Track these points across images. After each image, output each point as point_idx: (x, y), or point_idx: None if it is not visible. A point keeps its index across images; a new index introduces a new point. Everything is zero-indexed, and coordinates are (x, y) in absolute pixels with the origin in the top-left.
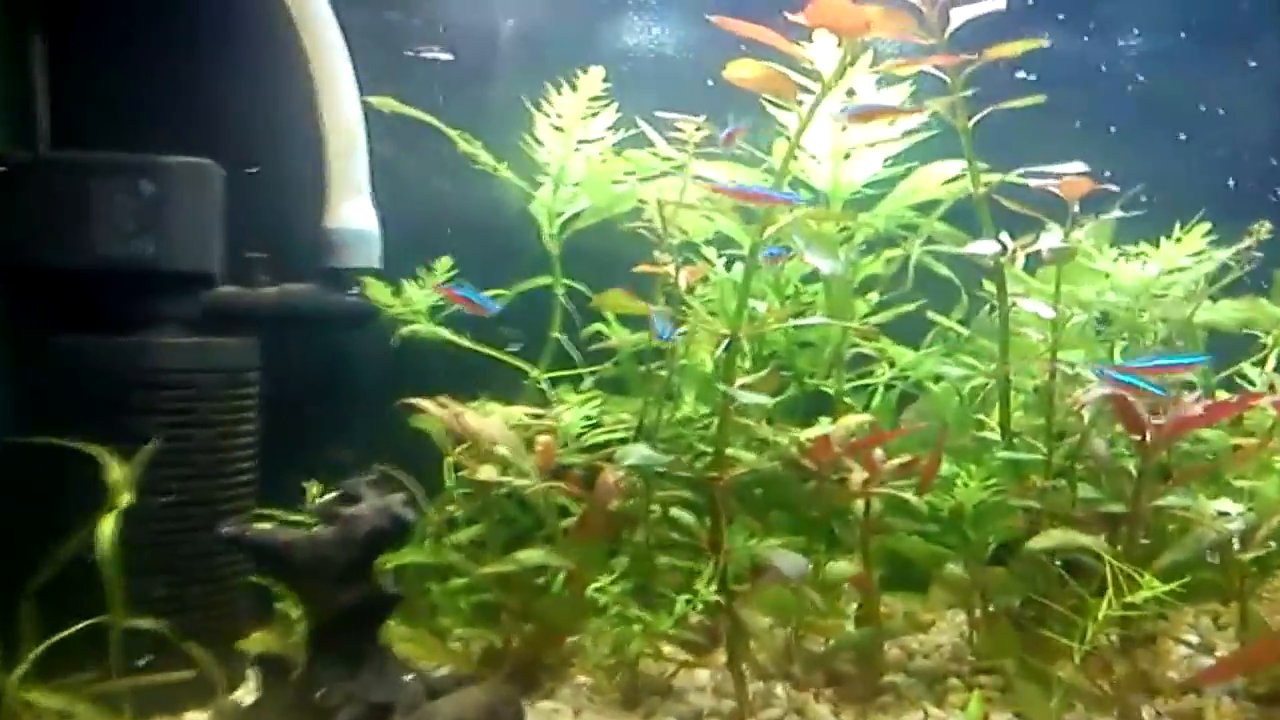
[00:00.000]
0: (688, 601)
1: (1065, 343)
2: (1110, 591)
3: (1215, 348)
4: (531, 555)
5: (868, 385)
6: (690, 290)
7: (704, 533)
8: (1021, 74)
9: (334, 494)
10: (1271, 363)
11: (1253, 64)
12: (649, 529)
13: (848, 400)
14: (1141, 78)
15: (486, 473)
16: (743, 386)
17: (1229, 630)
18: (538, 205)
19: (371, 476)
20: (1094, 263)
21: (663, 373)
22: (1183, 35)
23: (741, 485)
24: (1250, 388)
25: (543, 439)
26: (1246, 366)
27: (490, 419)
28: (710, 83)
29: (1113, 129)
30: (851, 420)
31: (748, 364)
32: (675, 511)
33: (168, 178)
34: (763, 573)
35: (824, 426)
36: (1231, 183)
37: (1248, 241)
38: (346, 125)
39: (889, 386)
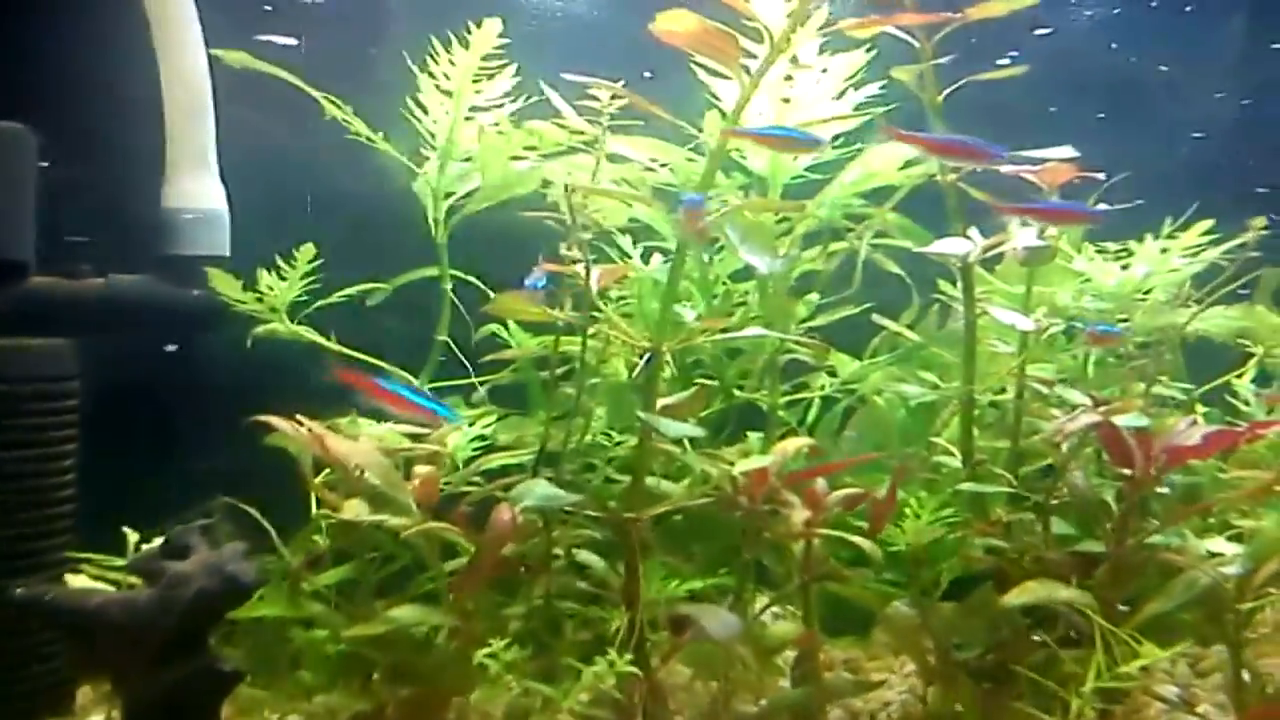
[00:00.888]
0: (597, 673)
1: (1034, 355)
2: (1099, 657)
3: (1192, 360)
4: (405, 613)
5: (805, 398)
6: (604, 292)
7: (617, 581)
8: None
9: (158, 544)
10: (1247, 378)
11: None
12: (550, 578)
13: (783, 414)
14: (1140, 59)
15: (353, 509)
16: (665, 409)
17: (1211, 677)
18: (422, 184)
19: (205, 520)
20: (1070, 262)
21: (570, 388)
22: (1187, 9)
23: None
24: (1243, 408)
25: (422, 469)
26: (1238, 383)
27: (359, 441)
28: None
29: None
30: (790, 445)
31: (668, 373)
32: (583, 555)
33: None
34: (685, 628)
35: (756, 453)
36: (1222, 174)
37: (1243, 238)
38: (190, 87)
39: (830, 399)
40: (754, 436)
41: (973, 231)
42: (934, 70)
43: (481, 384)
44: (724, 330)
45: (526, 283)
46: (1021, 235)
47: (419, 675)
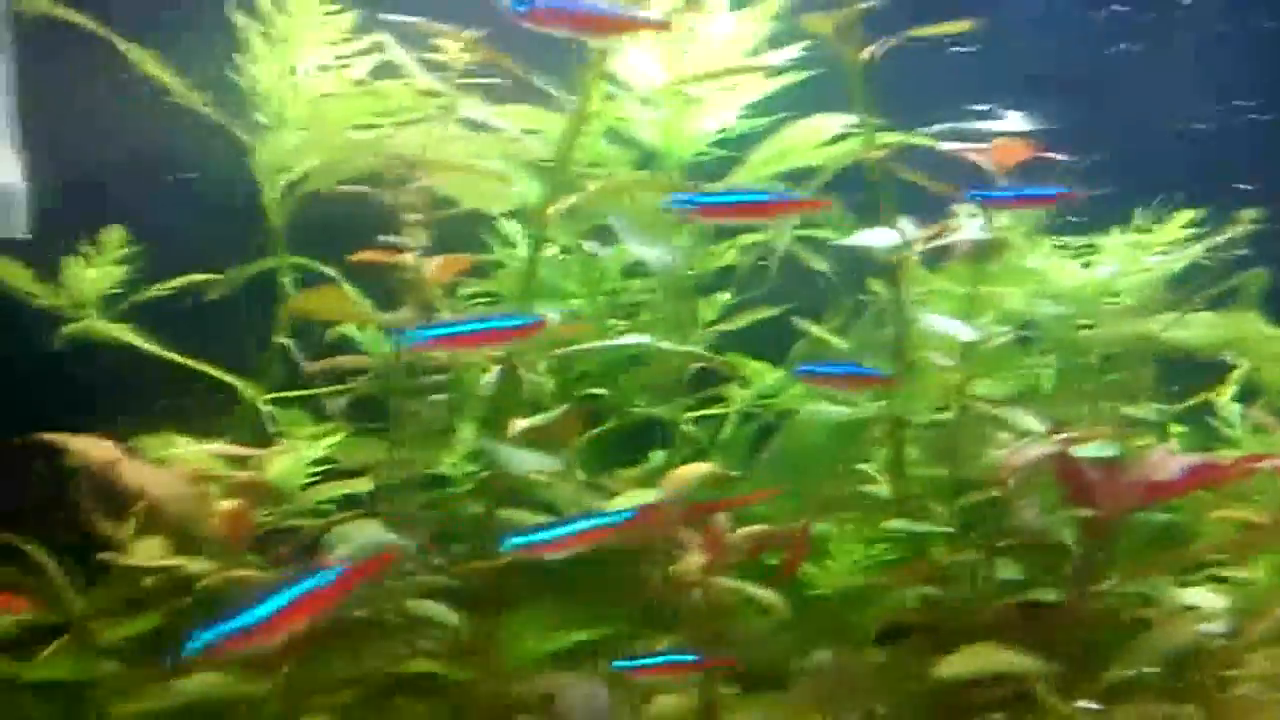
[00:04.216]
0: None
1: (981, 368)
2: None
3: (1170, 373)
4: (199, 683)
5: (716, 414)
6: (451, 290)
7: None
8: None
9: None
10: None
11: None
12: (383, 639)
13: (688, 431)
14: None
15: (145, 552)
16: (526, 432)
17: None
18: (259, 158)
19: None
20: (1024, 260)
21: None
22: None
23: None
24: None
25: (224, 504)
26: (1222, 402)
27: (161, 469)
28: None
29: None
30: (689, 473)
31: (551, 385)
32: (426, 608)
33: None
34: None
35: (655, 479)
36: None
37: (1230, 233)
38: None
39: (745, 415)
40: (658, 456)
41: (904, 222)
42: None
43: (337, 394)
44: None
45: None
46: (966, 226)
47: None
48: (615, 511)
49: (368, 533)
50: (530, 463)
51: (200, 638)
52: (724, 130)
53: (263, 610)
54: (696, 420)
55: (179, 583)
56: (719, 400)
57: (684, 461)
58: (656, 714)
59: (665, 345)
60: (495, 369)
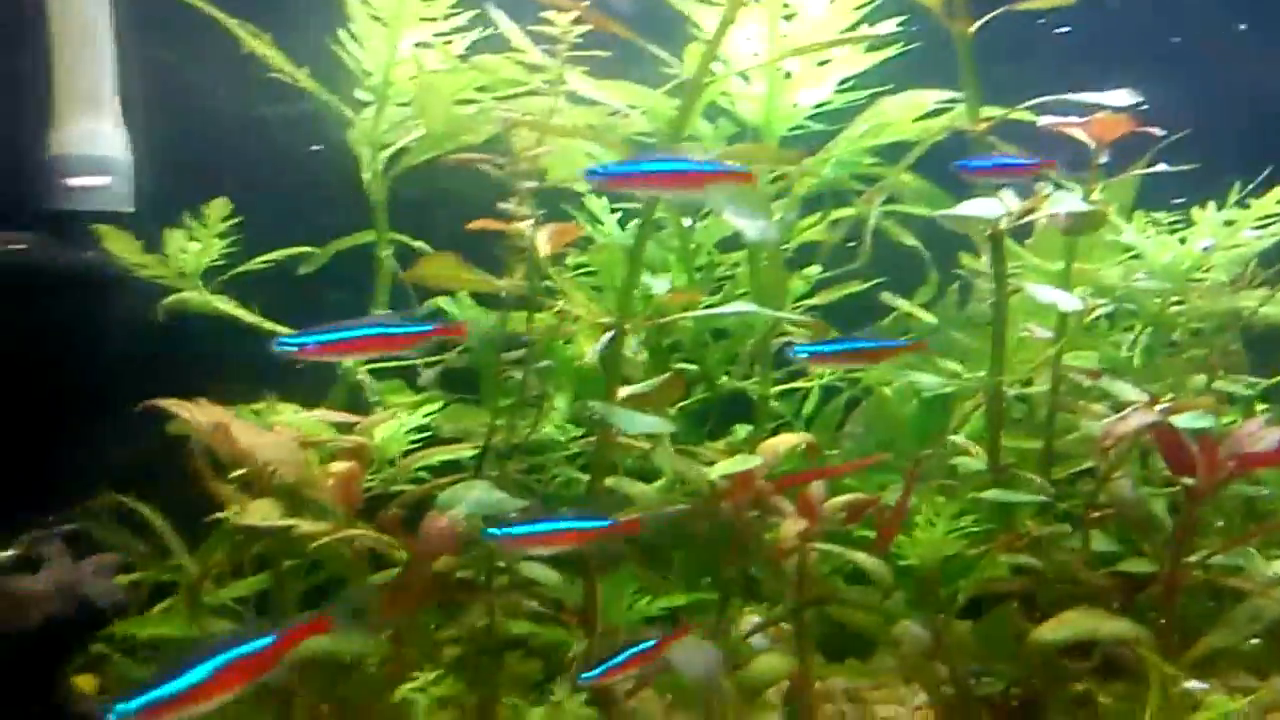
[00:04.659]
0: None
1: (1072, 341)
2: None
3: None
4: (317, 641)
5: (802, 387)
6: (559, 258)
7: (575, 597)
8: None
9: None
10: None
11: None
12: (492, 597)
13: (776, 405)
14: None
15: (260, 513)
16: (629, 399)
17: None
18: (358, 132)
19: (69, 526)
20: (1119, 234)
21: (518, 373)
22: None
23: None
24: None
25: (337, 466)
26: None
27: (270, 433)
28: None
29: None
30: (782, 442)
31: (643, 356)
32: (533, 569)
33: None
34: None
35: (743, 450)
36: None
37: None
38: (81, 13)
39: (831, 389)
40: (742, 430)
41: (1006, 194)
42: None
43: (431, 365)
44: (703, 305)
45: None
46: (1063, 199)
47: (344, 702)
48: (594, 518)
49: (477, 494)
50: (643, 424)
51: (124, 707)
52: (821, 105)
53: (192, 676)
54: (782, 394)
55: (285, 545)
56: (803, 374)
57: (770, 434)
58: (757, 672)
59: (768, 312)
60: (601, 338)
